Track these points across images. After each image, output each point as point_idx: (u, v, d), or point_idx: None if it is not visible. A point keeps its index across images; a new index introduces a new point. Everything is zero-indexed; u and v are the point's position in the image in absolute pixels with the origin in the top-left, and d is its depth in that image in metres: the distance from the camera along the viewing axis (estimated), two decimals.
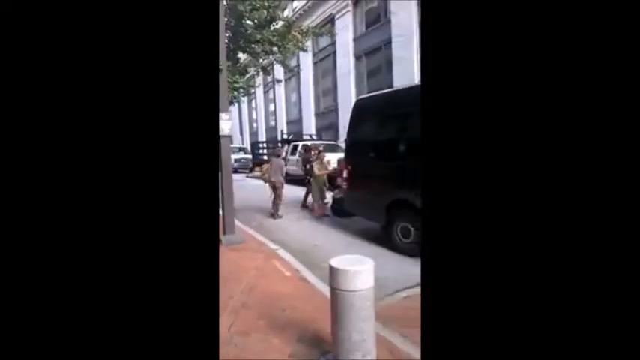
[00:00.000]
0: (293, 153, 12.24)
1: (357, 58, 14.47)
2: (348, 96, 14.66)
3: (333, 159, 8.29)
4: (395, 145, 4.30)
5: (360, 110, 5.16)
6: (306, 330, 2.47)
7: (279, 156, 7.40)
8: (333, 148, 11.19)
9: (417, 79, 11.03)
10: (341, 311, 1.88)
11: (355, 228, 5.54)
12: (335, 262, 1.93)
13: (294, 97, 20.18)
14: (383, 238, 4.82)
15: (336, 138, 14.58)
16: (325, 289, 3.22)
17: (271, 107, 23.03)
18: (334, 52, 15.63)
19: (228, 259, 4.05)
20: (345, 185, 5.26)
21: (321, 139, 14.23)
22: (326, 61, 16.81)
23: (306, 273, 3.64)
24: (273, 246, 4.62)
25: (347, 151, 5.46)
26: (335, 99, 15.79)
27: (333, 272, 1.90)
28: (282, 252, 4.35)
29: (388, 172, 4.39)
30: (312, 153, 7.23)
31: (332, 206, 6.77)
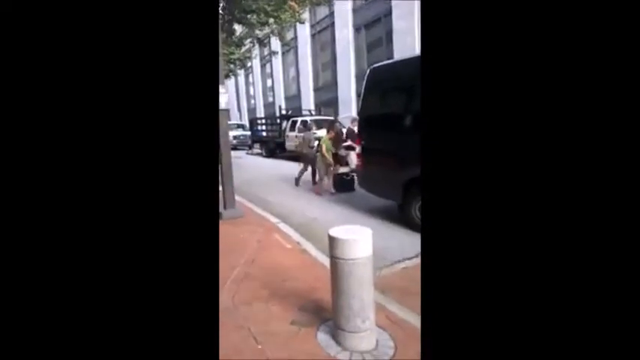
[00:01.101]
0: (292, 129, 12.13)
1: (357, 29, 14.08)
2: (347, 70, 14.38)
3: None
4: (414, 118, 3.99)
5: (375, 79, 4.75)
6: (307, 299, 2.54)
7: (310, 129, 8.29)
8: (332, 124, 11.06)
9: (417, 51, 10.78)
10: (340, 279, 1.93)
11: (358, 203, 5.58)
12: (334, 231, 1.96)
13: (292, 71, 19.79)
14: (385, 212, 4.87)
15: (336, 113, 14.42)
16: (325, 260, 3.29)
17: (269, 83, 22.62)
18: (332, 24, 15.19)
19: (230, 233, 4.11)
20: (358, 161, 5.05)
21: (319, 115, 14.07)
22: (324, 33, 16.35)
23: (307, 245, 3.70)
24: (274, 220, 4.67)
25: (360, 125, 5.12)
26: (334, 73, 15.48)
27: (332, 241, 1.93)
28: (282, 225, 4.40)
29: (406, 146, 4.06)
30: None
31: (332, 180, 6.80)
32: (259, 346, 2.00)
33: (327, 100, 16.06)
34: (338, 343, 2.00)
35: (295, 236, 4.00)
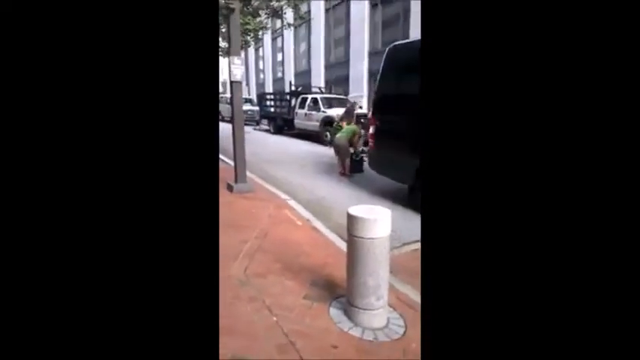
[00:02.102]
0: (301, 106, 11.98)
1: (373, 6, 13.63)
2: (360, 47, 14.04)
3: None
4: None
5: (395, 58, 4.60)
6: (318, 275, 2.58)
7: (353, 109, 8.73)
8: (343, 103, 10.93)
9: None
10: (358, 257, 1.94)
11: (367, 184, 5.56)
12: (353, 210, 1.96)
13: (303, 47, 19.36)
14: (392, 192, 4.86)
15: (347, 92, 14.19)
16: (335, 238, 3.32)
17: (279, 57, 22.19)
18: None
19: (241, 207, 4.14)
20: (370, 143, 4.98)
21: (330, 93, 13.85)
22: (339, 8, 15.87)
23: (316, 223, 3.73)
24: (284, 196, 4.69)
25: (375, 105, 4.98)
26: (346, 50, 15.12)
27: (351, 220, 1.94)
28: (292, 202, 4.42)
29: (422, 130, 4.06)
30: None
31: None
32: (274, 318, 2.05)
33: (338, 78, 15.74)
34: (350, 319, 2.04)
35: (305, 213, 4.02)
